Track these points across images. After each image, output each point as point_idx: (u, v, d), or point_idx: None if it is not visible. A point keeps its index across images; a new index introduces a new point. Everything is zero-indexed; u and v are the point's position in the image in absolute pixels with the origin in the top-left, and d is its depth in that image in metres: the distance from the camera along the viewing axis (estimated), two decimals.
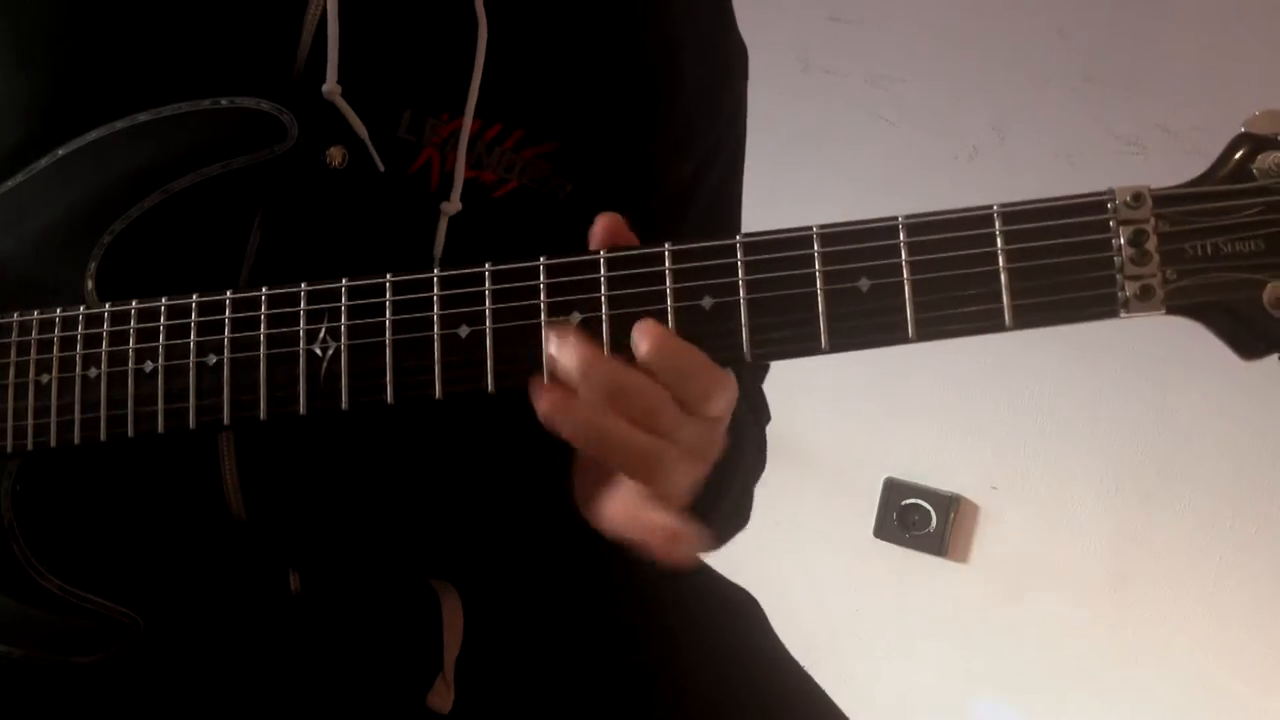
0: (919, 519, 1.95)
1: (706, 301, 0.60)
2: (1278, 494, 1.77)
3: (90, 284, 0.71)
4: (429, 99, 0.75)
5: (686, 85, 0.83)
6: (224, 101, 0.70)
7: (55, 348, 0.70)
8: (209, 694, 0.79)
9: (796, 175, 1.95)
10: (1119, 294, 0.57)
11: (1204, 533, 1.81)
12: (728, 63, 0.88)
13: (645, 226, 0.83)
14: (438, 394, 0.64)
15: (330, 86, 0.72)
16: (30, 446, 0.71)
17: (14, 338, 0.71)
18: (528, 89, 0.77)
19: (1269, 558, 1.78)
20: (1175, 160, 1.72)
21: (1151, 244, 0.56)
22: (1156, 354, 1.77)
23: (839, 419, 1.97)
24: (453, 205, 0.76)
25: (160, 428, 0.68)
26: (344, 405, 0.65)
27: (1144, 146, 1.76)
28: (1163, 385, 1.80)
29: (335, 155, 0.72)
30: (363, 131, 0.72)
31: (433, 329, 0.63)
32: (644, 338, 0.60)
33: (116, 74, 0.74)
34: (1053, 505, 1.89)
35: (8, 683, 0.75)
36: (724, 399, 0.62)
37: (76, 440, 0.70)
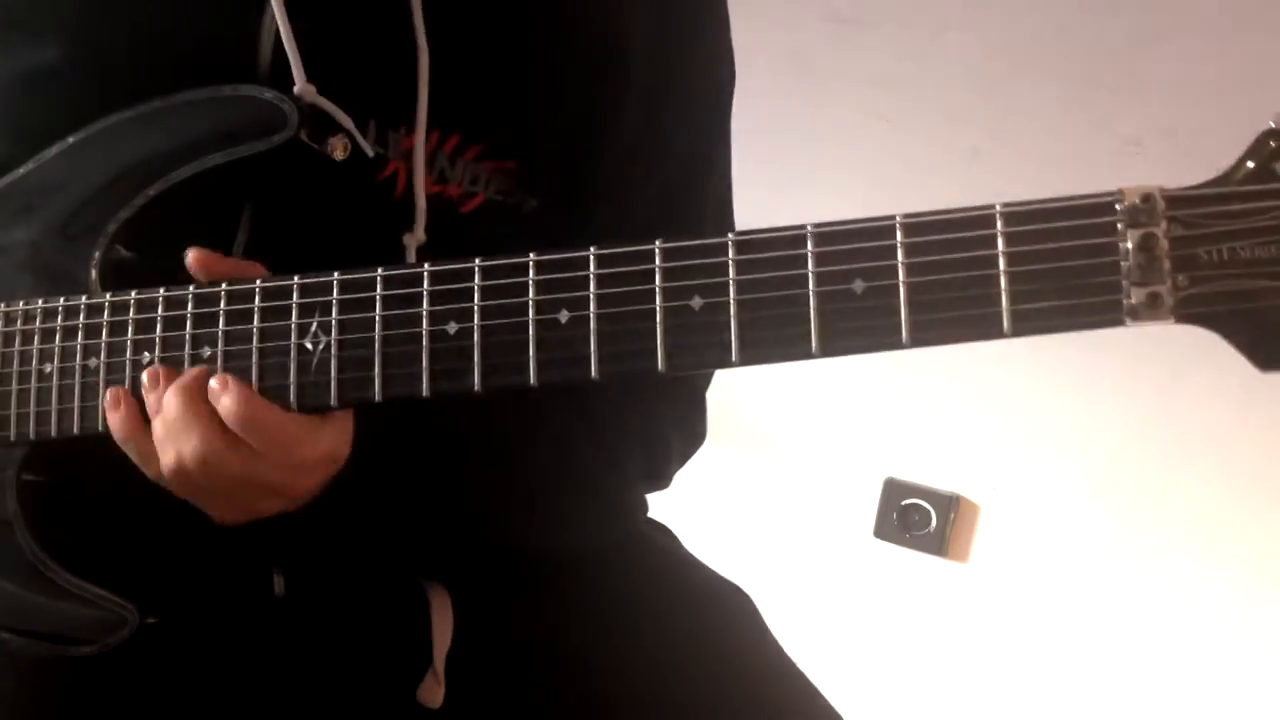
0: (919, 519, 1.95)
1: (696, 301, 0.59)
2: (1278, 494, 1.77)
3: (94, 273, 0.71)
4: (387, 112, 0.74)
5: (634, 91, 0.82)
6: (227, 89, 0.71)
7: (58, 337, 0.71)
8: (200, 692, 0.79)
9: (795, 175, 1.95)
10: (1124, 301, 0.54)
11: (1204, 533, 1.81)
12: (681, 68, 0.86)
13: (606, 239, 0.82)
14: (425, 392, 0.63)
15: (301, 86, 0.71)
16: (33, 436, 0.71)
17: (19, 326, 0.72)
18: (479, 105, 0.77)
19: (1269, 558, 1.78)
20: (1175, 160, 1.72)
21: (1162, 249, 0.53)
22: (1157, 353, 1.77)
23: (839, 419, 1.97)
24: (416, 237, 0.75)
25: None
26: (333, 402, 0.65)
27: (1144, 146, 1.76)
28: (1163, 385, 1.80)
29: (338, 146, 0.72)
30: (347, 121, 0.72)
31: (421, 325, 0.63)
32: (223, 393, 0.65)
33: (130, 60, 0.74)
34: (1053, 505, 1.89)
35: (7, 669, 0.76)
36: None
37: (76, 431, 0.70)
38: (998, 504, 1.93)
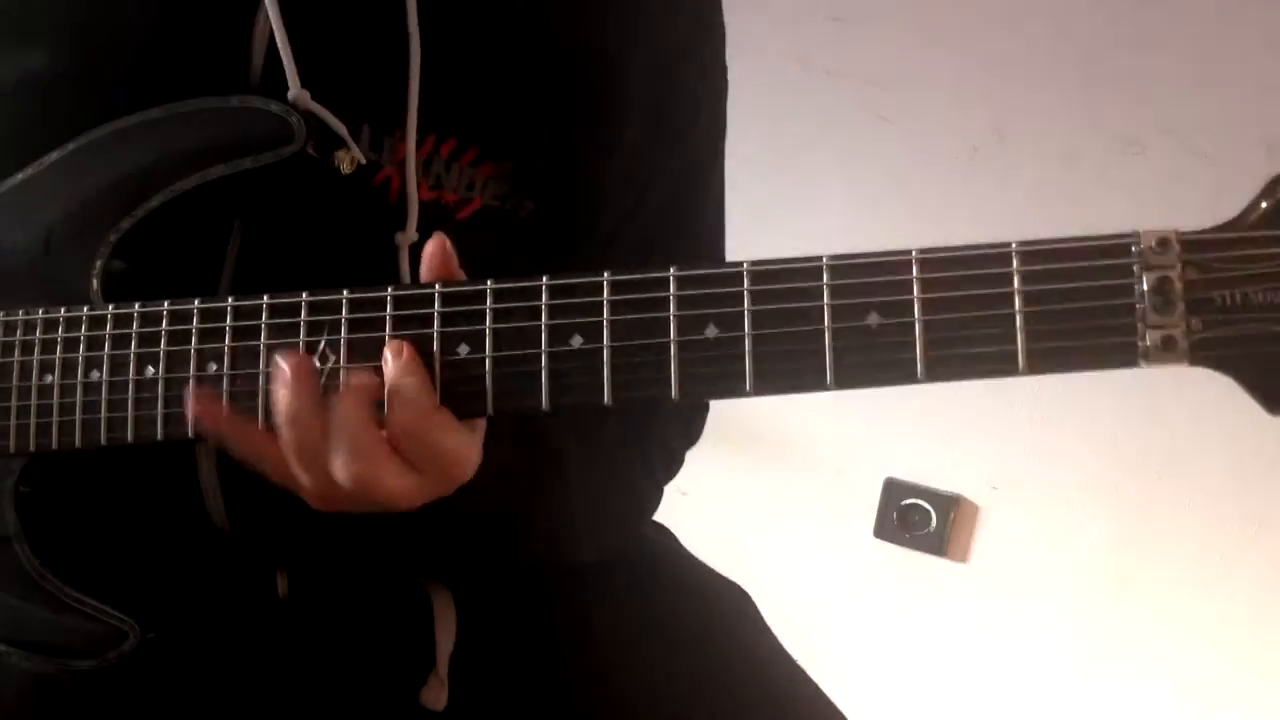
0: (919, 519, 1.95)
1: (711, 331, 0.58)
2: (1278, 494, 1.77)
3: (95, 284, 0.70)
4: (381, 117, 0.74)
5: (634, 102, 0.81)
6: (233, 101, 0.70)
7: (58, 348, 0.70)
8: (203, 698, 0.79)
9: (796, 175, 1.95)
10: (1139, 344, 0.54)
11: (1204, 533, 1.81)
12: (681, 81, 0.86)
13: (601, 249, 0.82)
14: None
15: (295, 92, 0.70)
16: (32, 448, 0.71)
17: (18, 336, 0.71)
18: (475, 107, 0.77)
19: (1269, 558, 1.78)
20: (1175, 160, 1.72)
21: (1177, 292, 0.54)
22: None
23: (839, 419, 1.97)
24: (408, 236, 0.74)
25: (159, 435, 0.67)
26: None
27: (1144, 146, 1.76)
28: (1162, 385, 1.80)
29: (344, 160, 0.72)
30: (340, 128, 0.71)
31: (432, 347, 0.62)
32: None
33: (122, 65, 0.73)
34: (1053, 505, 1.89)
35: (6, 683, 0.75)
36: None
37: (77, 444, 0.69)
38: (998, 504, 1.93)
